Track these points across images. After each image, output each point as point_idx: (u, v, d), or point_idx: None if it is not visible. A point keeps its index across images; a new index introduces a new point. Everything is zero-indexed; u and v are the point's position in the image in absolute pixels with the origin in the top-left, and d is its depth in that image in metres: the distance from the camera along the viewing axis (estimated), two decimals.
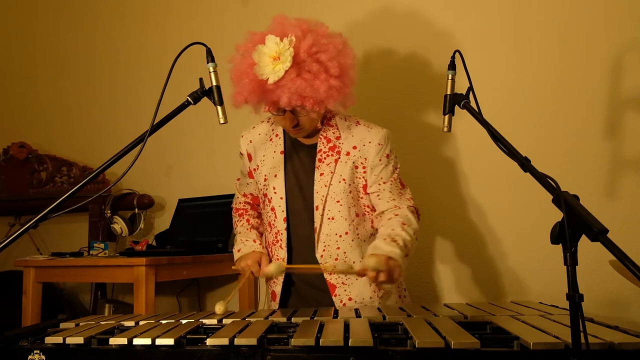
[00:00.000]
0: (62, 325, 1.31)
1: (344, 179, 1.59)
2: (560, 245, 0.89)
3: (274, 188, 1.64)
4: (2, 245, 1.17)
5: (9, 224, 3.13)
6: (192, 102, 1.37)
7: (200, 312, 1.51)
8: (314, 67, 1.43)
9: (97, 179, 2.67)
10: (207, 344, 1.05)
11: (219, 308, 1.39)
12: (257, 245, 1.70)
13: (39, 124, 3.24)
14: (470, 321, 1.20)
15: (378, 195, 1.62)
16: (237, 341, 1.04)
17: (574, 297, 0.86)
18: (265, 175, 1.67)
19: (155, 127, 1.33)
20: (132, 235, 2.76)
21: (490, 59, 2.13)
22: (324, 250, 1.60)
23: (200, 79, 1.37)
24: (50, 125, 3.21)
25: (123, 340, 1.09)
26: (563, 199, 0.91)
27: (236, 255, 1.70)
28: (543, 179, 1.01)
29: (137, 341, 1.08)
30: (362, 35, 2.34)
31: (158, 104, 1.32)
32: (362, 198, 1.63)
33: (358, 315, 1.30)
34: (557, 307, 1.38)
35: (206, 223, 2.58)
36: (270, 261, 1.65)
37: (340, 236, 1.60)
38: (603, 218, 0.88)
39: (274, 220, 1.65)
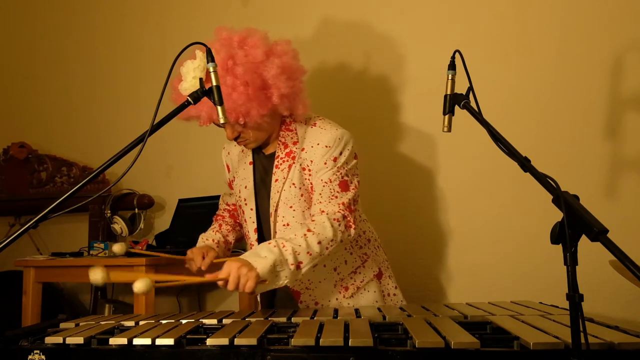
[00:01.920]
0: (62, 325, 1.31)
1: (294, 184, 1.56)
2: (560, 245, 0.89)
3: (245, 199, 1.67)
4: (2, 245, 1.17)
5: (9, 224, 3.13)
6: (192, 102, 1.36)
7: (200, 312, 1.51)
8: (229, 80, 1.44)
9: (97, 179, 2.67)
10: (207, 344, 1.05)
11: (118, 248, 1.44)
12: (210, 242, 1.72)
13: (39, 124, 3.24)
14: (470, 321, 1.20)
15: (313, 200, 1.55)
16: (237, 341, 1.04)
17: (574, 297, 0.86)
18: (240, 187, 1.70)
19: (155, 127, 1.33)
20: (132, 235, 2.76)
21: (491, 59, 2.13)
22: None
23: (201, 79, 1.37)
24: (50, 125, 3.21)
25: (123, 340, 1.09)
26: (563, 199, 0.91)
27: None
28: (543, 179, 1.01)
29: (137, 341, 1.08)
30: (361, 35, 2.34)
31: (158, 104, 1.31)
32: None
33: (358, 315, 1.30)
34: (557, 307, 1.38)
35: (206, 223, 2.56)
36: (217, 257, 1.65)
37: None
38: (603, 218, 0.88)
39: (248, 232, 1.69)
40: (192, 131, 2.72)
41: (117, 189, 2.80)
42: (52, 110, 3.22)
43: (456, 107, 1.37)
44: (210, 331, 1.17)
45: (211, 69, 1.37)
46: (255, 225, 1.65)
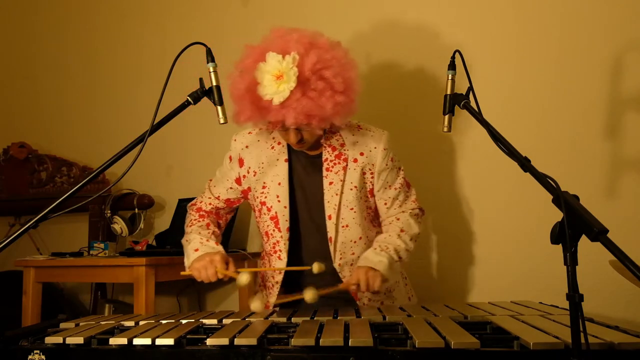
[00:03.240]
0: (62, 325, 1.31)
1: (355, 186, 1.59)
2: (560, 245, 0.89)
3: (277, 196, 1.60)
4: (2, 245, 1.17)
5: (9, 224, 3.13)
6: (192, 102, 1.36)
7: (200, 312, 1.51)
8: (319, 85, 1.39)
9: (97, 179, 2.66)
10: (207, 344, 1.05)
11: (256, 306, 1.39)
12: (219, 248, 1.57)
13: (39, 124, 3.24)
14: (470, 321, 1.20)
15: (385, 203, 1.65)
16: (237, 341, 1.04)
17: (574, 297, 0.86)
18: (264, 183, 1.63)
19: (155, 127, 1.33)
20: (132, 235, 2.76)
21: (491, 59, 2.14)
22: (340, 258, 1.60)
23: (200, 79, 1.37)
24: (50, 125, 3.21)
25: (123, 340, 1.09)
26: (563, 199, 0.91)
27: (192, 255, 1.55)
28: (543, 179, 1.01)
29: (137, 341, 1.08)
30: (361, 35, 2.34)
31: (158, 104, 1.32)
32: (367, 201, 1.63)
33: (358, 315, 1.30)
34: (557, 307, 1.38)
35: None
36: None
37: (355, 242, 1.61)
38: (603, 218, 0.88)
39: (273, 230, 1.61)
40: (192, 131, 2.74)
41: (117, 189, 2.80)
42: (52, 110, 3.22)
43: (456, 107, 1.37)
44: (210, 331, 1.17)
45: (211, 69, 1.37)
46: (288, 224, 1.60)
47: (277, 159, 1.63)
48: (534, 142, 2.01)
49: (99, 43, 3.10)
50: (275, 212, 1.60)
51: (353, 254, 1.60)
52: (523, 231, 2.05)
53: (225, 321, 1.26)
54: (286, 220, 1.60)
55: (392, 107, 2.29)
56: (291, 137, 1.51)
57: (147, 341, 1.07)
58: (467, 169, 2.18)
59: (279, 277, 1.64)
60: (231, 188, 1.72)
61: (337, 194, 1.58)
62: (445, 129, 1.40)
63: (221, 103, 1.36)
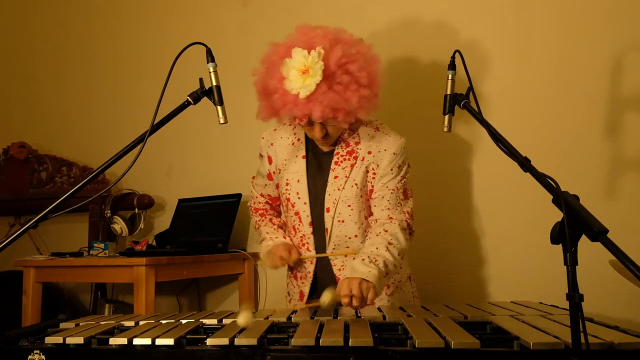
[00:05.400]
0: (62, 325, 1.31)
1: (356, 184, 1.60)
2: (560, 245, 0.89)
3: (298, 193, 1.64)
4: (2, 245, 1.17)
5: (9, 224, 3.13)
6: (192, 102, 1.37)
7: (200, 312, 1.51)
8: (345, 78, 1.42)
9: (97, 179, 2.66)
10: (207, 344, 1.05)
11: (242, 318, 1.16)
12: (287, 240, 1.70)
13: (39, 124, 3.24)
14: (470, 321, 1.20)
15: (375, 204, 1.61)
16: (237, 341, 1.04)
17: (574, 297, 0.86)
18: (287, 180, 1.66)
19: (155, 127, 1.33)
20: (132, 235, 2.76)
21: (491, 58, 2.13)
22: (333, 250, 1.64)
23: (200, 79, 1.37)
24: (50, 125, 3.21)
25: (123, 340, 1.09)
26: (563, 199, 0.91)
27: (264, 251, 1.70)
28: (543, 179, 1.01)
29: (137, 341, 1.08)
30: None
31: (158, 104, 1.32)
32: (367, 201, 1.64)
33: (358, 315, 1.30)
34: (557, 307, 1.38)
35: (206, 223, 2.58)
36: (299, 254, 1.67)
37: (350, 238, 1.62)
38: (603, 218, 0.88)
39: (299, 225, 1.66)
40: (192, 131, 2.74)
41: (117, 189, 2.80)
42: (52, 110, 3.22)
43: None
44: (210, 331, 1.17)
45: (211, 69, 1.37)
46: (310, 219, 1.64)
47: (296, 156, 1.67)
48: (534, 142, 2.01)
49: (99, 43, 3.10)
50: (298, 208, 1.64)
51: (347, 247, 1.64)
52: (523, 231, 2.05)
53: (225, 321, 1.26)
54: (307, 216, 1.64)
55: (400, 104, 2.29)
56: (316, 132, 1.52)
57: (147, 341, 1.07)
58: (466, 169, 2.18)
59: (311, 268, 1.68)
60: (266, 185, 1.77)
61: (338, 189, 1.60)
62: (445, 129, 1.40)
63: (221, 103, 1.36)
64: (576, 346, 0.84)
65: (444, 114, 1.40)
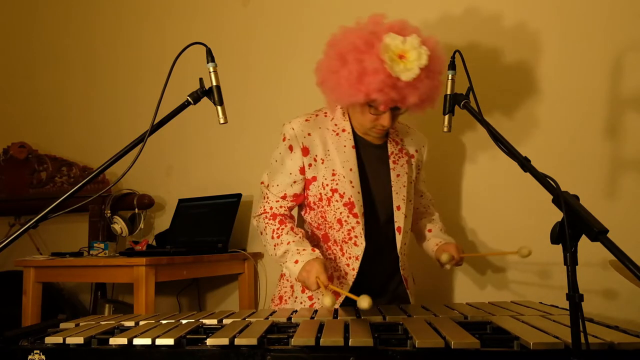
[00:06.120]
0: (62, 325, 1.31)
1: (412, 180, 1.71)
2: (560, 245, 0.89)
3: (351, 182, 1.56)
4: (2, 245, 1.17)
5: (9, 224, 3.13)
6: (192, 102, 1.37)
7: (200, 312, 1.51)
8: (437, 67, 1.44)
9: (97, 179, 2.67)
10: (207, 344, 1.05)
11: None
12: (317, 253, 1.48)
13: (39, 124, 3.24)
14: (470, 321, 1.20)
15: (422, 195, 1.85)
16: (237, 341, 1.04)
17: (574, 297, 0.86)
18: (333, 170, 1.58)
19: (155, 127, 1.33)
20: (132, 235, 2.76)
21: (490, 58, 2.13)
22: (402, 246, 1.67)
23: (200, 79, 1.37)
24: (50, 125, 3.21)
25: (123, 340, 1.09)
26: (563, 199, 0.91)
27: (294, 268, 1.47)
28: (543, 179, 1.01)
29: (137, 341, 1.08)
30: None
31: (158, 104, 1.32)
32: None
33: (358, 315, 1.30)
34: (557, 307, 1.38)
35: (206, 223, 2.58)
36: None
37: (407, 232, 1.70)
38: (603, 218, 0.88)
39: (348, 216, 1.56)
40: (192, 131, 2.74)
41: (117, 189, 2.80)
42: (52, 110, 3.22)
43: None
44: (210, 331, 1.17)
45: (211, 69, 1.37)
46: (363, 210, 1.57)
47: (345, 145, 1.59)
48: (534, 142, 2.01)
49: (99, 43, 3.11)
50: (349, 198, 1.56)
51: (405, 243, 1.69)
52: (523, 231, 2.05)
53: (225, 321, 1.26)
54: (361, 206, 1.57)
55: None
56: (386, 120, 1.50)
57: (147, 341, 1.07)
58: (466, 169, 2.18)
59: (356, 264, 1.58)
60: (295, 182, 1.61)
61: (404, 186, 1.65)
62: (445, 129, 1.41)
63: (221, 103, 1.36)
64: (576, 346, 0.84)
65: (444, 114, 1.40)
